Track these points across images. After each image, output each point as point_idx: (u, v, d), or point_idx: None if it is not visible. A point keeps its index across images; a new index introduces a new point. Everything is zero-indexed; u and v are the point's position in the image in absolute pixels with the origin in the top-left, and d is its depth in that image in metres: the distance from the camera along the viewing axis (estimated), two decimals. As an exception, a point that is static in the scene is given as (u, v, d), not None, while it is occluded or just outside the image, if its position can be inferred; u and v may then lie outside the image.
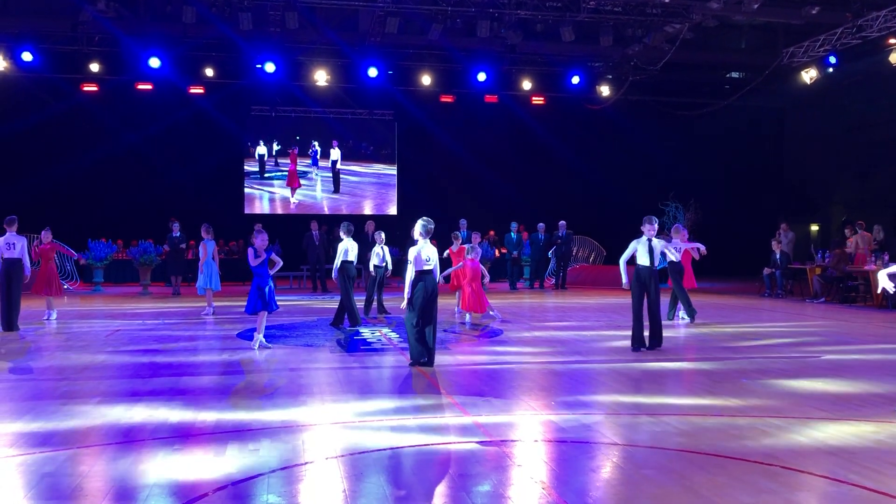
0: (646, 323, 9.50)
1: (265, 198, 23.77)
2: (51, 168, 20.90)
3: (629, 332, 9.60)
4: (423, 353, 8.28)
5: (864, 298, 15.76)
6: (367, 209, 23.84)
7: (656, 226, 9.56)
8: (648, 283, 9.40)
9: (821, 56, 19.59)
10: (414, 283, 8.25)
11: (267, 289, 9.41)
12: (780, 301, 16.82)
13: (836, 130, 23.72)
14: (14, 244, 11.24)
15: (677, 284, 12.46)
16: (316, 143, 23.83)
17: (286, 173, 23.76)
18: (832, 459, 5.00)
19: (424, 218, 8.45)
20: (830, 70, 19.87)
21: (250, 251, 9.46)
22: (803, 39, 19.60)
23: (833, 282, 16.38)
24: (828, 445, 5.31)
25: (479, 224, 20.49)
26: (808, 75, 20.35)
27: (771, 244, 17.97)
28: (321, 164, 23.92)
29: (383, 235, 12.76)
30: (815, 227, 25.64)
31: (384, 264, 12.68)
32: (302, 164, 23.81)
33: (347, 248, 11.48)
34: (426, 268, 8.26)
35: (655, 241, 9.46)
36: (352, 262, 11.51)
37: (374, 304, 13.03)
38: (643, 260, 9.42)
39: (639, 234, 9.50)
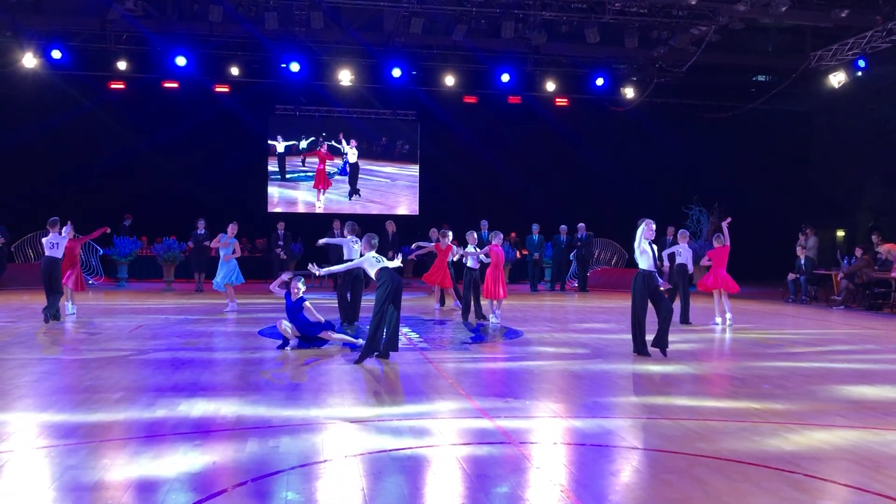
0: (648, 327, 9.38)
1: (288, 197, 23.85)
2: (78, 164, 21.13)
3: (650, 336, 9.46)
4: (374, 346, 8.64)
5: (893, 306, 15.54)
6: (388, 209, 23.83)
7: (653, 226, 9.39)
8: (654, 287, 9.25)
9: (849, 59, 19.33)
10: (380, 279, 8.61)
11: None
12: (804, 307, 16.63)
13: (864, 135, 23.39)
14: (57, 244, 12.02)
15: (686, 288, 12.48)
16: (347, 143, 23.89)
17: (312, 174, 23.76)
18: (856, 468, 4.94)
19: (369, 234, 9.05)
20: (859, 74, 19.60)
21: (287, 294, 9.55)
22: (832, 43, 19.34)
23: (859, 288, 16.17)
24: (851, 454, 5.25)
25: (501, 225, 20.41)
26: (836, 79, 20.09)
27: (796, 249, 17.77)
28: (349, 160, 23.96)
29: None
30: (841, 233, 25.32)
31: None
32: (330, 165, 23.81)
33: (353, 249, 11.89)
34: (389, 264, 8.71)
35: (654, 245, 9.34)
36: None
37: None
38: (649, 264, 9.21)
39: (665, 240, 9.43)
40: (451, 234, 14.67)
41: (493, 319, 12.53)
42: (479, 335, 11.29)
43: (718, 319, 12.67)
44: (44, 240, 12.15)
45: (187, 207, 20.49)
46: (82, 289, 13.15)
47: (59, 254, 12.03)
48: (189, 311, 13.67)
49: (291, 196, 23.85)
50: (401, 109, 23.86)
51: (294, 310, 9.48)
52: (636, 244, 9.27)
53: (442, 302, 15.19)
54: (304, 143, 23.72)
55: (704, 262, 13.15)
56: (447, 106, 22.89)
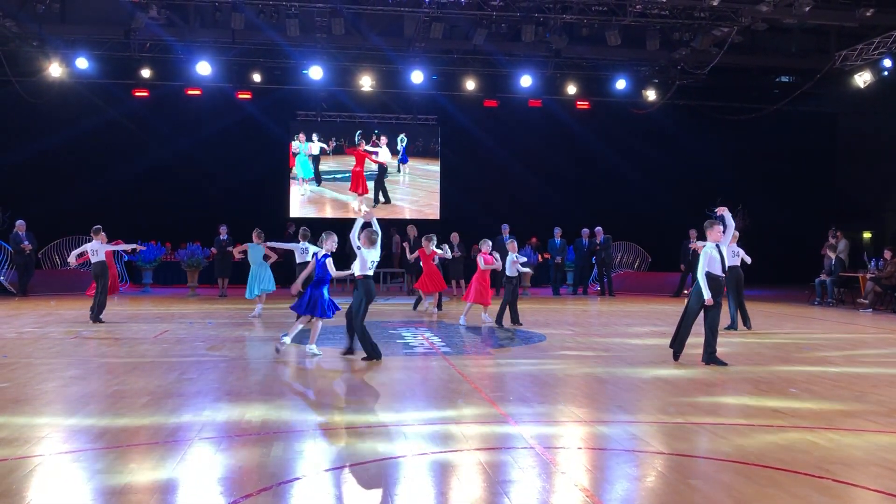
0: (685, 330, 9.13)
1: (310, 200, 23.91)
2: (103, 171, 21.41)
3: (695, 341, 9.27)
4: (376, 348, 9.01)
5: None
6: (408, 213, 23.83)
7: (721, 228, 8.91)
8: (721, 292, 8.84)
9: (875, 59, 19.10)
10: (362, 288, 8.91)
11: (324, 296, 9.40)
12: (831, 310, 16.43)
13: (891, 135, 23.10)
14: (97, 251, 12.79)
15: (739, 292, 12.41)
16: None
17: (345, 176, 23.70)
18: (887, 473, 4.86)
19: (370, 228, 9.06)
20: (885, 74, 19.37)
21: (324, 258, 9.38)
22: (857, 42, 19.12)
23: (887, 290, 15.94)
24: (882, 458, 5.17)
25: (523, 229, 20.42)
26: (862, 79, 19.85)
27: (826, 251, 17.54)
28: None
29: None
30: (868, 235, 25.01)
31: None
32: (368, 167, 23.78)
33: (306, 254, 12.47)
34: (369, 273, 8.96)
35: (723, 248, 8.86)
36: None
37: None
38: (718, 268, 8.78)
39: (692, 241, 9.20)
40: (435, 238, 15.09)
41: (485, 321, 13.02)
42: (501, 340, 11.28)
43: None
44: (88, 246, 12.89)
45: (211, 213, 20.67)
46: (115, 291, 13.81)
47: (102, 258, 12.77)
48: (213, 317, 13.77)
49: (313, 198, 23.83)
50: (421, 114, 23.93)
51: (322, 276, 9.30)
52: (707, 264, 8.71)
53: (439, 306, 15.29)
54: (325, 144, 23.72)
55: None
56: (468, 110, 22.95)
